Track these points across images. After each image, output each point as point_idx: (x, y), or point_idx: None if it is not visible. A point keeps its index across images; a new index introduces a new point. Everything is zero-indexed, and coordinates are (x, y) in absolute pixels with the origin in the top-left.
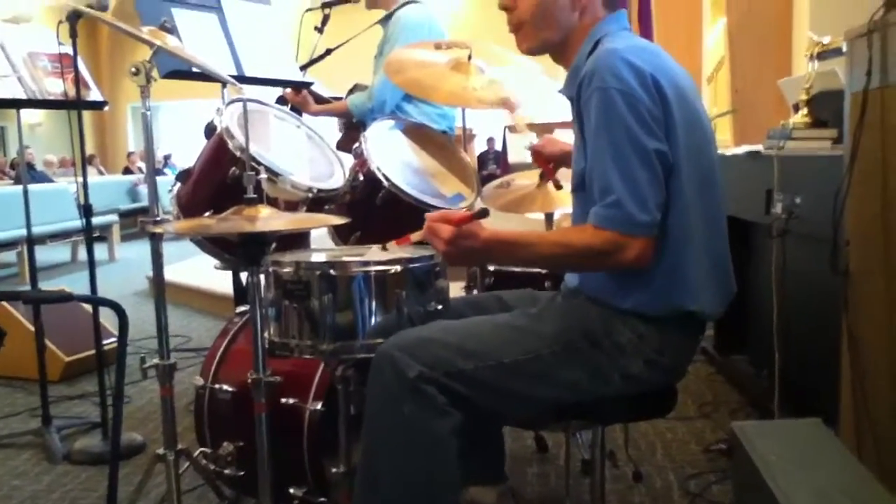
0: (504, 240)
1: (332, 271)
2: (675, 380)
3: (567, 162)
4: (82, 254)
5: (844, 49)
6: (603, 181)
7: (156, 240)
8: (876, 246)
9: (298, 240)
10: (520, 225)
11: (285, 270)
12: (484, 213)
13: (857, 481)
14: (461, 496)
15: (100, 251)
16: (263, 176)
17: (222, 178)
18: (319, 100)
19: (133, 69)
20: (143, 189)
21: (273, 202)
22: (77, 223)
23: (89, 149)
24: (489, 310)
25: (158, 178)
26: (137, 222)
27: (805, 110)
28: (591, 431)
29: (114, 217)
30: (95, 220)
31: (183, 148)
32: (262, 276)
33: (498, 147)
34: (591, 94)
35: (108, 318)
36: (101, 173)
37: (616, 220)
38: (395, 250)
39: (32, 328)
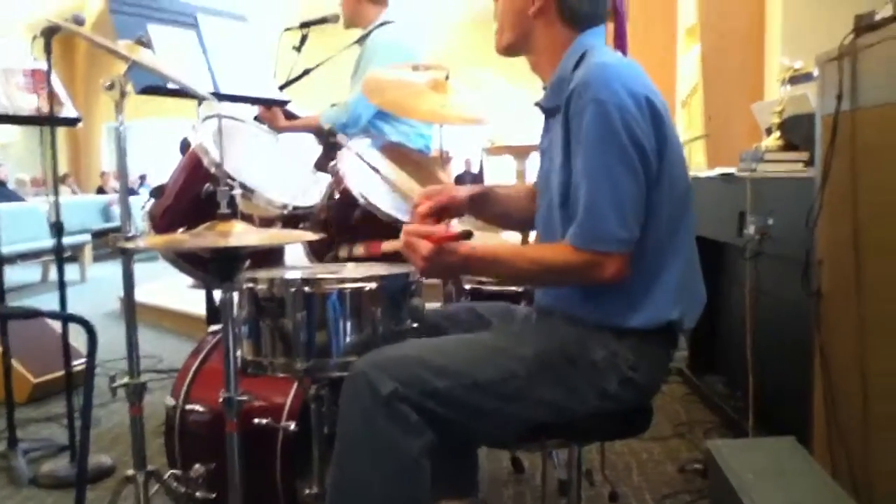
0: (482, 256)
1: (306, 288)
2: (649, 396)
3: (455, 208)
4: (53, 274)
5: (815, 73)
6: (589, 194)
7: (127, 256)
8: (847, 266)
9: (273, 258)
10: (494, 242)
11: (259, 287)
12: (468, 235)
13: (831, 498)
14: None
15: (71, 271)
16: (238, 192)
17: (196, 194)
18: (292, 118)
19: (107, 83)
20: (117, 209)
21: (248, 219)
22: (48, 243)
23: (63, 168)
24: (464, 321)
25: (132, 198)
26: (109, 240)
27: (777, 133)
28: (567, 451)
29: (86, 237)
30: (67, 240)
31: (158, 168)
32: (235, 294)
33: (475, 170)
34: (585, 105)
35: (77, 339)
36: (74, 193)
37: (594, 237)
38: (371, 268)
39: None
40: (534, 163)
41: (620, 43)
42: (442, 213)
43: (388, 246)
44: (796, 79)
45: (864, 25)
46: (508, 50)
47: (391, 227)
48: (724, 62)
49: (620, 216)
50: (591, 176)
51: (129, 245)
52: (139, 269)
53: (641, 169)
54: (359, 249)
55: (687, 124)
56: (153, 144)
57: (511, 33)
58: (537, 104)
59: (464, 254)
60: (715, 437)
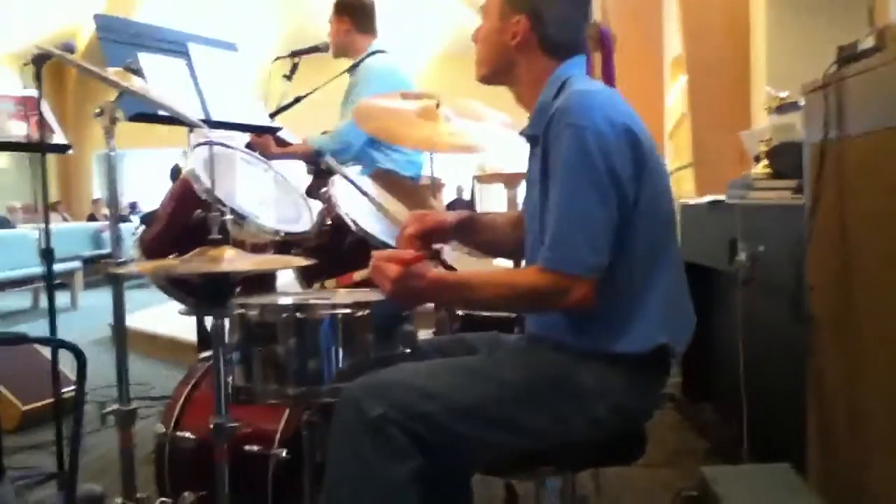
0: (450, 281)
1: (298, 314)
2: (641, 423)
3: (443, 233)
4: (44, 301)
5: (801, 103)
6: (560, 217)
7: (117, 281)
8: (838, 292)
9: (264, 284)
10: (486, 269)
11: (251, 313)
12: (435, 255)
13: None
14: None
15: (62, 298)
16: (229, 217)
17: (187, 220)
18: (284, 144)
19: (97, 110)
20: (108, 236)
21: (239, 246)
22: (39, 269)
23: (54, 196)
24: (454, 353)
25: (123, 225)
26: (100, 266)
27: (765, 162)
28: (560, 479)
29: (77, 264)
30: (58, 267)
31: (149, 196)
32: (226, 320)
33: (466, 196)
34: (563, 129)
35: (67, 365)
36: (65, 220)
37: (564, 260)
38: (363, 294)
39: None
40: (523, 191)
41: (608, 74)
42: (429, 237)
43: (359, 275)
44: (783, 108)
45: (847, 56)
46: (487, 80)
47: None
48: (711, 92)
49: (590, 241)
50: (563, 199)
51: (120, 270)
52: (130, 296)
53: (616, 195)
54: (331, 284)
55: (675, 154)
56: (144, 173)
57: (491, 64)
58: (521, 133)
59: (431, 278)
60: (709, 464)
